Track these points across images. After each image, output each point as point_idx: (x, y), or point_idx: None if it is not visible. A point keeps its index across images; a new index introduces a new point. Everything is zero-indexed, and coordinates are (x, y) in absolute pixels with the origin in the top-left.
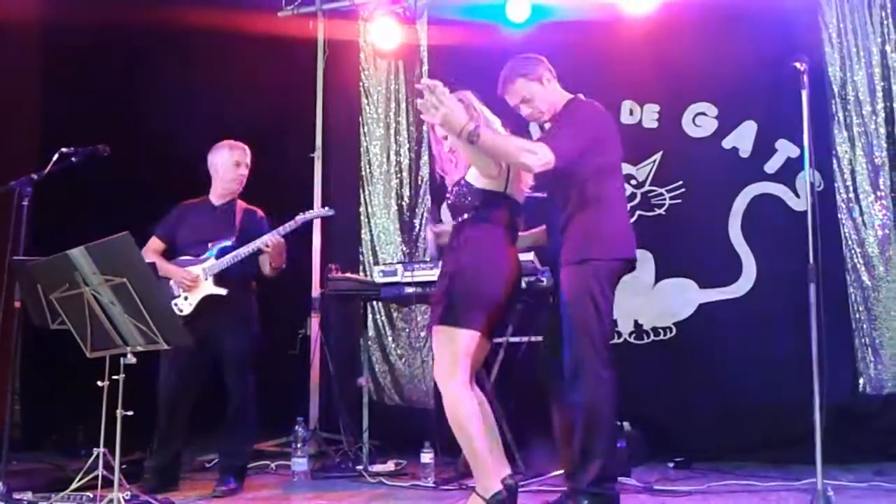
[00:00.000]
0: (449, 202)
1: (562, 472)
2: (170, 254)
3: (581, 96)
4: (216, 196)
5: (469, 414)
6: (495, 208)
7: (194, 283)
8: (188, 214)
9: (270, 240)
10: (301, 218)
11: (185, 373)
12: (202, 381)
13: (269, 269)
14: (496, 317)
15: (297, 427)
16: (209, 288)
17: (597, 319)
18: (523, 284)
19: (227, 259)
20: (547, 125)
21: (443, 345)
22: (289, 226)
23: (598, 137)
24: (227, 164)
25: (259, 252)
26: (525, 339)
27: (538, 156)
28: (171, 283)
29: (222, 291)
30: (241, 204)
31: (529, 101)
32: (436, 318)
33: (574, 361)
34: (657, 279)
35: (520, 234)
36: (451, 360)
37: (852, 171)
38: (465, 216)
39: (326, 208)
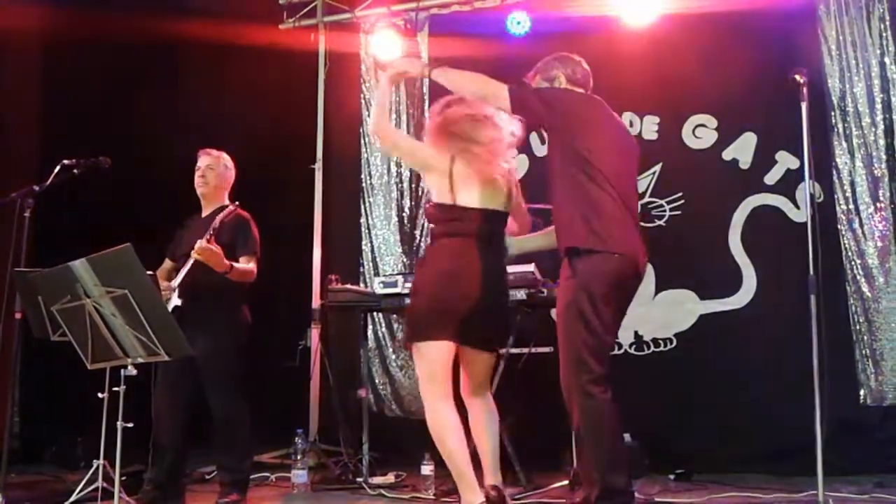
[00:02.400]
0: None
1: (563, 483)
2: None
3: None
4: (203, 207)
5: (446, 427)
6: (450, 220)
7: (167, 296)
8: (184, 231)
9: (197, 247)
10: (220, 216)
11: (173, 385)
12: (192, 392)
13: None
14: (473, 324)
15: (296, 439)
16: (174, 300)
17: (583, 331)
18: (523, 295)
19: (183, 270)
20: None
21: (417, 361)
22: (211, 229)
23: (577, 118)
24: (195, 172)
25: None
26: (525, 350)
27: (494, 91)
28: None
29: (178, 302)
30: (228, 211)
31: None
32: (405, 337)
33: (563, 377)
34: (657, 290)
35: (523, 236)
36: (426, 374)
37: (852, 183)
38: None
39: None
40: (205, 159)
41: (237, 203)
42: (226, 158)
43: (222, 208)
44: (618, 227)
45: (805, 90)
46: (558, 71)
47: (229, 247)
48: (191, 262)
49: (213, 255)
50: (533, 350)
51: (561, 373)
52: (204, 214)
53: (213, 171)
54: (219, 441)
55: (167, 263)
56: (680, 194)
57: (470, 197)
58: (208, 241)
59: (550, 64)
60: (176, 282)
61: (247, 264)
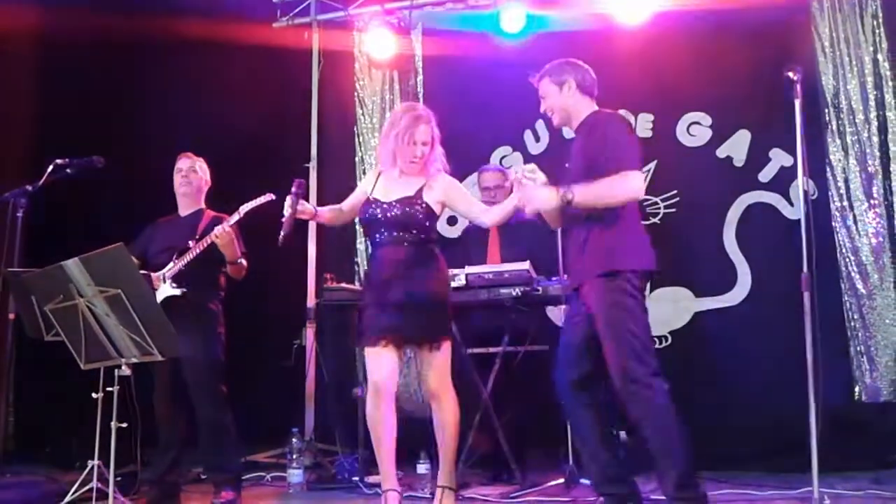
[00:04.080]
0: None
1: (559, 481)
2: (145, 269)
3: (604, 110)
4: (180, 207)
5: None
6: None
7: (154, 287)
8: (157, 229)
9: (218, 230)
10: (244, 208)
11: (169, 384)
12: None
13: (230, 270)
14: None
15: (292, 438)
16: (167, 290)
17: (635, 329)
18: (518, 293)
19: (184, 260)
20: (560, 125)
21: (445, 354)
22: (234, 217)
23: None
24: (175, 174)
25: (219, 259)
26: (521, 348)
27: (636, 184)
28: None
29: (177, 291)
30: (208, 213)
31: (544, 98)
32: (441, 331)
33: (621, 374)
34: (652, 288)
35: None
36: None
37: (846, 180)
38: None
39: (268, 194)
40: (186, 162)
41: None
42: (202, 162)
43: (200, 210)
44: (645, 244)
45: (799, 87)
46: (569, 77)
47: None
48: (197, 250)
49: (234, 240)
50: (529, 348)
51: (615, 371)
52: (183, 214)
53: (195, 172)
54: (205, 439)
55: None
56: (674, 192)
57: None
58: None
59: (562, 68)
60: (169, 272)
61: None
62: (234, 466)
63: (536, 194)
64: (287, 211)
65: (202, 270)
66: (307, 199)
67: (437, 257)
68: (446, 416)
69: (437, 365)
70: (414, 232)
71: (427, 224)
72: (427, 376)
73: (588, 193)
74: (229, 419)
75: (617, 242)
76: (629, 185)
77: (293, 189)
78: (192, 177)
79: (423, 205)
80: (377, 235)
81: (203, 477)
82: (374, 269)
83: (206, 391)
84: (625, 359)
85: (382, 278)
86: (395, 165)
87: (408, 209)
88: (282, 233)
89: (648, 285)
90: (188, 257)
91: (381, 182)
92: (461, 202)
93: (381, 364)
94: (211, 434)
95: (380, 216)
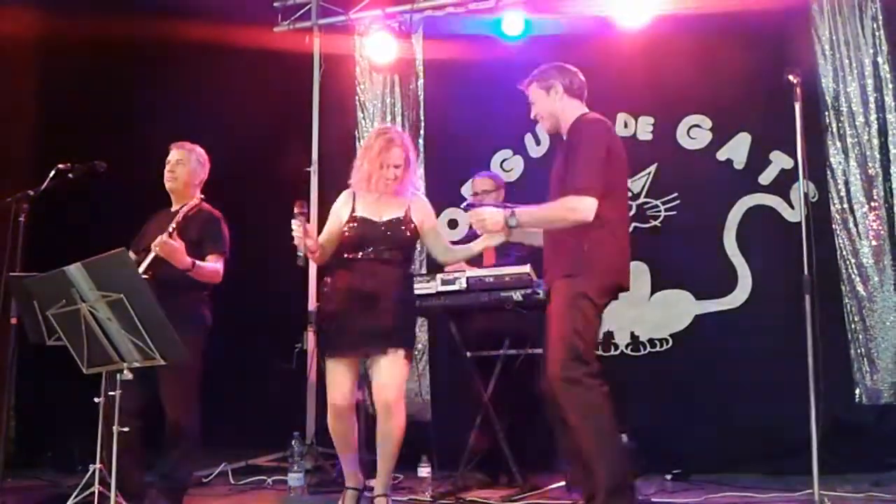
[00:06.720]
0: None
1: (560, 484)
2: None
3: (589, 114)
4: (173, 201)
5: None
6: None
7: None
8: (149, 225)
9: (156, 241)
10: (183, 210)
11: (146, 384)
12: (152, 398)
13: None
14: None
15: (293, 441)
16: None
17: (582, 331)
18: (519, 296)
19: (143, 264)
20: (550, 131)
21: (406, 366)
22: (174, 223)
23: (603, 157)
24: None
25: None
26: (521, 352)
27: (581, 210)
28: None
29: None
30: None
31: (533, 104)
32: (410, 342)
33: (559, 372)
34: (653, 291)
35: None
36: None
37: (846, 182)
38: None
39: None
40: (175, 153)
41: (202, 197)
42: (199, 153)
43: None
44: (617, 255)
45: (799, 90)
46: (556, 80)
47: (197, 243)
48: (151, 256)
49: (175, 251)
50: (529, 351)
51: (552, 367)
52: (173, 209)
53: (183, 166)
54: (167, 440)
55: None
56: (675, 195)
57: None
58: (170, 236)
59: (548, 73)
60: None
61: (214, 263)
62: (184, 477)
63: (485, 215)
64: (297, 235)
65: (170, 272)
66: (308, 217)
67: (412, 278)
68: (401, 427)
69: (403, 375)
70: (401, 251)
71: (412, 245)
72: (390, 386)
73: (533, 217)
74: (195, 425)
75: (586, 249)
76: (575, 212)
77: (296, 211)
78: (177, 171)
79: (412, 226)
80: (363, 251)
81: (205, 480)
82: (354, 280)
83: (174, 391)
84: (565, 357)
85: (366, 290)
86: (370, 188)
87: (401, 228)
88: (300, 254)
89: (649, 287)
90: (146, 261)
91: (361, 203)
92: (429, 236)
93: (344, 380)
94: (171, 435)
95: (369, 233)
